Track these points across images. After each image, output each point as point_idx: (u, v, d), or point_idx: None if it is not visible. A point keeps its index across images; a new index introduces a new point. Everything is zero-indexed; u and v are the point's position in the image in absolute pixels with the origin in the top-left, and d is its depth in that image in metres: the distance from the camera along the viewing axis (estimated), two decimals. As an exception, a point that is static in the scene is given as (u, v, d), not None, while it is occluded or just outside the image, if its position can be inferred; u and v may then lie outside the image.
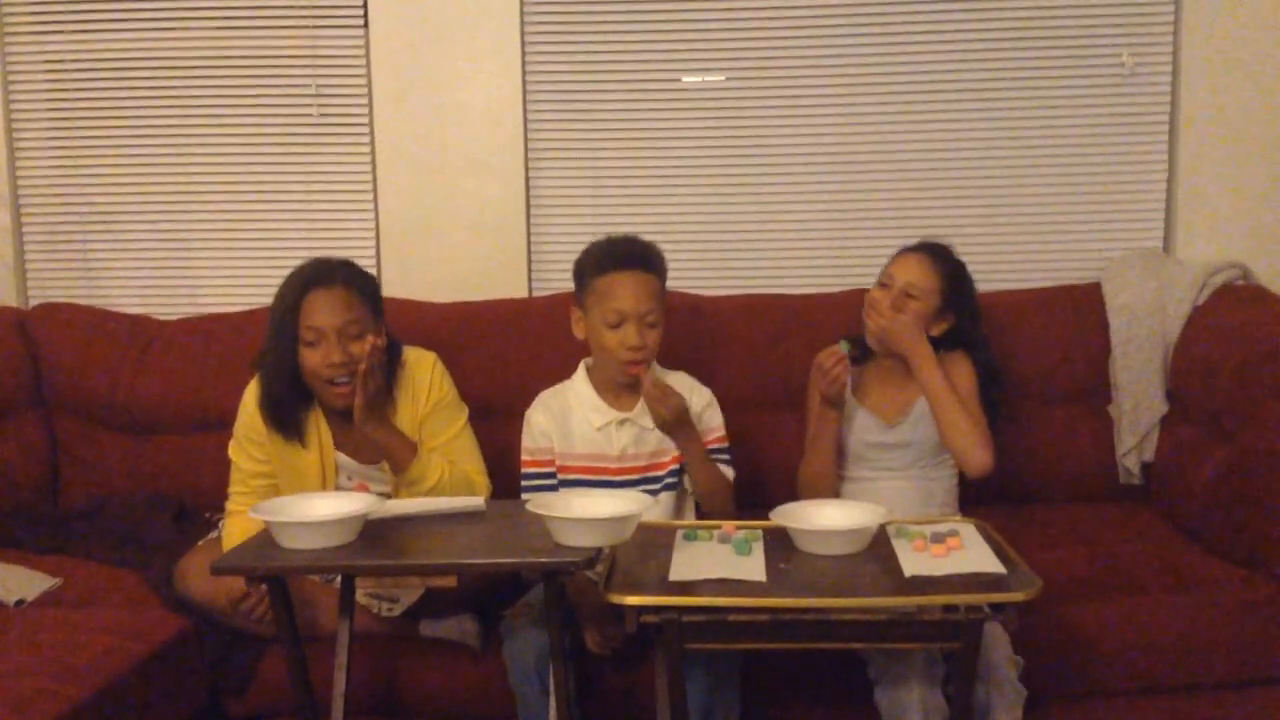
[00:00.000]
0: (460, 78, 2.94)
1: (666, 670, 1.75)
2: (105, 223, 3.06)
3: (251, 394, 2.25)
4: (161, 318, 2.91)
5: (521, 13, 2.91)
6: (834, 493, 2.33)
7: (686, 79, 2.98)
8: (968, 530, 1.88)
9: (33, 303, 3.05)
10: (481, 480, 2.26)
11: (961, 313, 2.39)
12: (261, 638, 2.18)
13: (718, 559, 1.77)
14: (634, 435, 2.25)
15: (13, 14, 3.00)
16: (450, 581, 1.98)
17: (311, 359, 2.15)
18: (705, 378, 2.36)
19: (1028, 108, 2.93)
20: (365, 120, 2.98)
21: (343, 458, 2.27)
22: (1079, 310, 2.75)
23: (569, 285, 2.33)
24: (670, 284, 2.30)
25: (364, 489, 2.24)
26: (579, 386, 2.29)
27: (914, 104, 2.94)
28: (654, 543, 1.85)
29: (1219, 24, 2.85)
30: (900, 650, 1.90)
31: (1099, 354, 2.72)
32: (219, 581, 2.07)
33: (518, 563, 1.82)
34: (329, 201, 3.03)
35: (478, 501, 1.98)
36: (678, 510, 2.26)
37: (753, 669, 2.08)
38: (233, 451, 2.30)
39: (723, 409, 2.32)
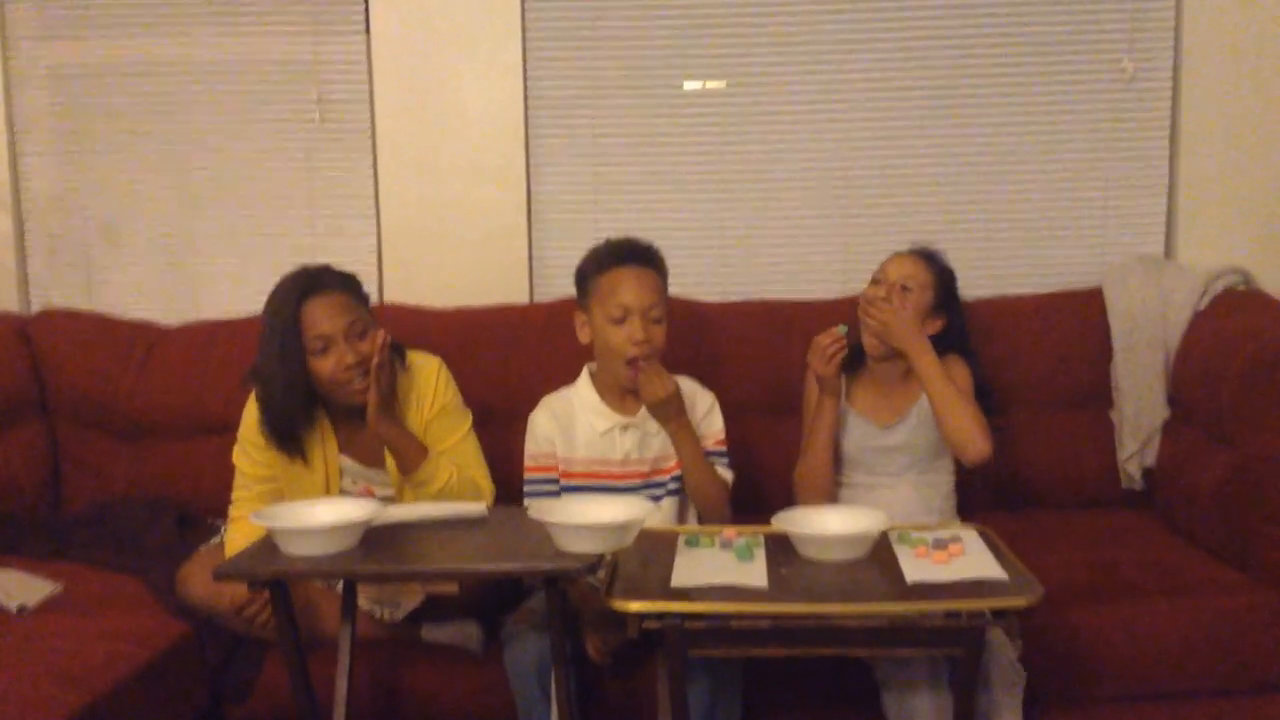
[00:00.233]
0: (462, 84, 2.94)
1: (668, 676, 1.75)
2: (107, 229, 3.07)
3: (254, 407, 2.25)
4: (163, 324, 2.92)
5: (523, 20, 2.92)
6: (831, 490, 2.33)
7: (687, 85, 2.98)
8: (969, 536, 1.88)
9: (35, 309, 3.05)
10: (486, 484, 2.26)
11: (953, 315, 2.40)
12: (263, 643, 2.18)
13: (720, 565, 1.77)
14: (638, 440, 2.25)
15: (16, 20, 3.01)
16: (452, 588, 1.98)
17: (325, 366, 2.15)
18: (705, 383, 2.36)
19: (1029, 114, 2.93)
20: (367, 127, 2.99)
21: (347, 461, 2.27)
22: (1080, 315, 2.75)
23: (570, 291, 2.33)
24: (670, 290, 2.31)
25: (369, 493, 2.25)
26: (583, 391, 2.30)
27: (914, 110, 2.94)
28: (656, 548, 1.85)
29: (1220, 29, 2.86)
30: (908, 656, 1.90)
31: (1100, 359, 2.72)
32: (221, 587, 2.08)
33: (519, 568, 1.82)
34: (331, 208, 3.03)
35: (479, 508, 1.98)
36: (680, 516, 2.26)
37: (755, 674, 2.07)
38: (237, 456, 2.30)
39: (722, 414, 2.32)
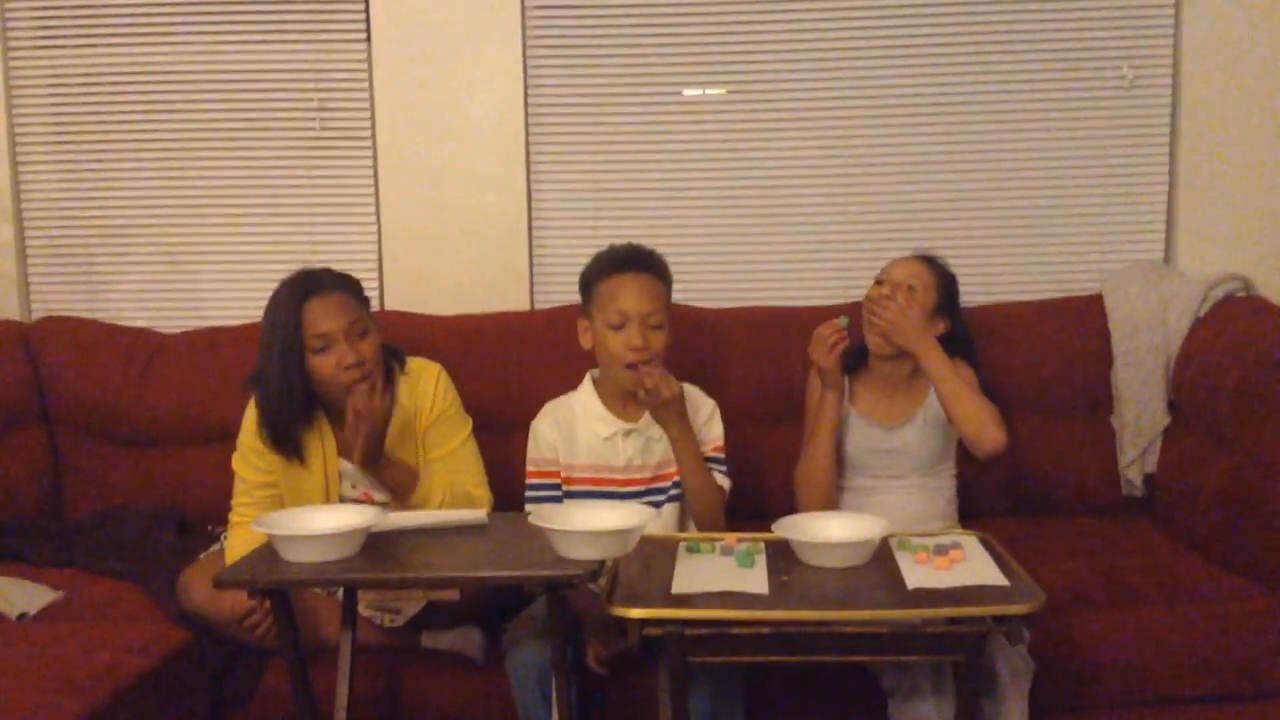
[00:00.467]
0: (462, 91, 2.95)
1: (669, 682, 1.75)
2: (108, 236, 3.07)
3: (253, 412, 2.25)
4: (164, 331, 2.92)
5: (523, 26, 2.93)
6: (831, 488, 2.32)
7: (688, 92, 2.99)
8: (970, 543, 1.88)
9: (36, 316, 3.05)
10: (481, 494, 2.26)
11: (955, 320, 2.40)
12: (264, 650, 2.18)
13: (720, 571, 1.77)
14: (640, 446, 2.25)
15: (16, 28, 3.01)
16: (453, 594, 1.98)
17: (325, 366, 2.16)
18: (706, 390, 2.36)
19: (1029, 120, 2.94)
20: (367, 134, 2.99)
21: (346, 466, 2.27)
22: (1081, 322, 2.75)
23: (571, 298, 2.33)
24: (672, 296, 2.31)
25: (368, 498, 2.25)
26: (585, 397, 2.30)
27: (915, 116, 2.94)
28: (656, 555, 1.85)
29: (1219, 35, 2.86)
30: (910, 662, 1.90)
31: (1101, 365, 2.72)
32: (222, 595, 2.08)
33: (520, 575, 1.82)
34: (331, 215, 3.04)
35: (480, 514, 1.98)
36: (681, 523, 2.26)
37: (756, 681, 2.07)
38: (236, 463, 2.30)
39: (724, 421, 2.32)
